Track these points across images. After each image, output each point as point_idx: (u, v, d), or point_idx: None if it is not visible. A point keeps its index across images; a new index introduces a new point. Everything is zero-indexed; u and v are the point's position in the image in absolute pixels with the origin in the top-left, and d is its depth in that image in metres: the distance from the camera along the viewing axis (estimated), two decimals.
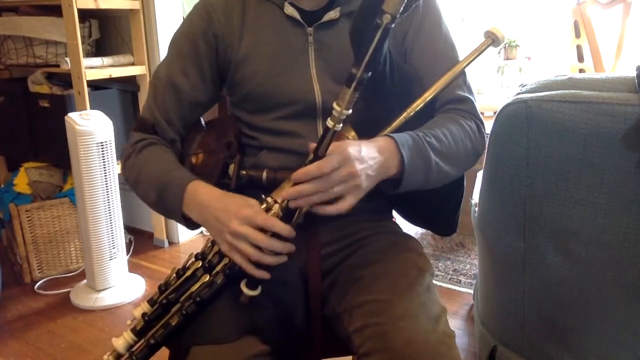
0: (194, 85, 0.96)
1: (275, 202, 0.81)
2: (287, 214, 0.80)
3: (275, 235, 0.79)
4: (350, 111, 0.76)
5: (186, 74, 0.95)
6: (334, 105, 0.75)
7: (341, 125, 0.77)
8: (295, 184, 0.78)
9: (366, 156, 0.79)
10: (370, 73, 0.74)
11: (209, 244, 0.88)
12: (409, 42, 0.95)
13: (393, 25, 0.72)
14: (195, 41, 0.95)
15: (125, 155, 0.96)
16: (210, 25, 0.94)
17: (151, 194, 0.90)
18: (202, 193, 0.84)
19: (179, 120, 0.97)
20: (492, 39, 0.87)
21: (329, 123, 0.76)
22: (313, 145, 0.79)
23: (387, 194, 0.87)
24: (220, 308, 0.84)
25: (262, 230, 0.79)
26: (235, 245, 0.79)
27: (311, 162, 0.77)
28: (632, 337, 1.08)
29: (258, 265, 0.80)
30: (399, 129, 0.87)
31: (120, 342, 0.86)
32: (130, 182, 0.95)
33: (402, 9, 0.71)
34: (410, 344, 0.76)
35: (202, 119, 1.04)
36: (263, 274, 0.80)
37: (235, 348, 0.80)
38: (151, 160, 0.92)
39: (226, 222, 0.79)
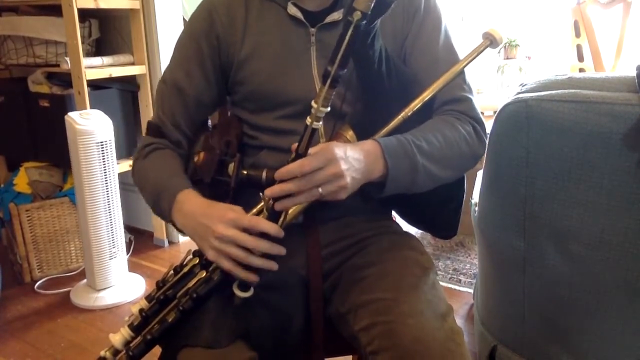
0: (198, 87, 0.97)
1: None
2: (273, 214, 0.80)
3: (264, 236, 0.79)
4: (329, 109, 0.76)
5: (190, 75, 0.96)
6: (312, 103, 0.75)
7: (320, 123, 0.77)
8: (280, 182, 0.78)
9: (351, 157, 0.79)
10: (345, 70, 0.74)
11: None
12: (408, 44, 0.95)
13: (365, 23, 0.71)
14: (197, 42, 0.95)
15: (134, 159, 1.00)
16: (212, 25, 0.95)
17: (150, 199, 0.93)
18: (189, 203, 0.86)
19: (186, 122, 0.99)
20: (490, 40, 0.87)
21: (307, 121, 0.76)
22: (296, 144, 0.79)
23: (373, 197, 0.87)
24: (214, 311, 0.84)
25: (249, 232, 0.79)
26: (222, 249, 0.79)
27: (293, 160, 0.77)
28: (632, 338, 1.08)
29: (248, 267, 0.80)
30: (397, 129, 0.87)
31: (118, 338, 0.86)
32: (137, 186, 0.98)
33: (372, 5, 0.70)
34: (419, 341, 0.77)
35: (209, 120, 1.05)
36: (252, 276, 0.80)
37: (224, 354, 0.80)
38: (153, 166, 0.95)
39: (211, 227, 0.79)
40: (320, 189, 0.77)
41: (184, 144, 1.00)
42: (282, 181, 0.77)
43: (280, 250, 0.80)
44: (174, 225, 0.90)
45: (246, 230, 0.78)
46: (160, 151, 0.97)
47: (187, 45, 0.97)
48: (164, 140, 0.98)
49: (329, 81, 0.73)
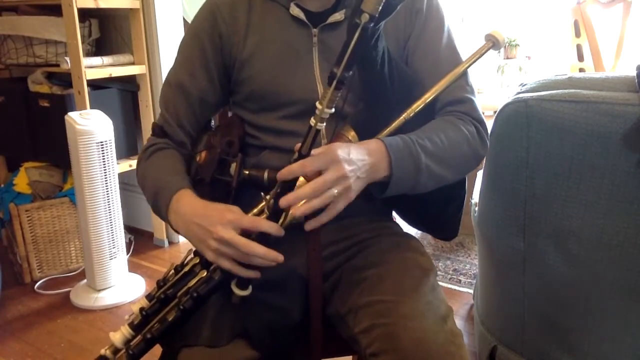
0: (202, 87, 0.97)
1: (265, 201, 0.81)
2: (274, 213, 0.79)
3: (264, 235, 0.78)
4: (333, 110, 0.76)
5: (194, 75, 0.96)
6: (317, 104, 0.75)
7: (324, 124, 0.77)
8: (283, 182, 0.78)
9: (355, 158, 0.79)
10: (351, 72, 0.74)
11: None
12: (411, 45, 0.95)
13: (372, 25, 0.72)
14: (201, 42, 0.96)
15: (137, 160, 1.00)
16: (214, 25, 0.95)
17: (149, 198, 0.93)
18: (185, 202, 0.85)
19: (190, 123, 0.99)
20: (493, 42, 0.88)
21: (312, 122, 0.76)
22: (299, 144, 0.79)
23: (375, 197, 0.87)
24: (213, 310, 0.84)
25: (248, 233, 0.78)
26: (221, 250, 0.78)
27: (296, 160, 0.77)
28: (631, 338, 1.08)
29: (247, 265, 0.79)
30: (399, 130, 0.87)
31: (118, 337, 0.86)
32: (140, 186, 0.97)
33: (380, 8, 0.71)
34: (419, 343, 0.77)
35: (212, 120, 1.06)
36: (253, 274, 0.80)
37: (224, 353, 0.80)
38: (154, 165, 0.95)
39: (209, 228, 0.78)
40: (332, 192, 0.76)
41: (188, 144, 1.00)
42: (285, 182, 0.77)
43: (277, 257, 0.79)
44: (170, 225, 0.89)
45: (246, 231, 0.78)
46: (162, 151, 0.97)
47: (190, 45, 0.97)
48: (168, 140, 0.98)
49: (334, 83, 0.74)
